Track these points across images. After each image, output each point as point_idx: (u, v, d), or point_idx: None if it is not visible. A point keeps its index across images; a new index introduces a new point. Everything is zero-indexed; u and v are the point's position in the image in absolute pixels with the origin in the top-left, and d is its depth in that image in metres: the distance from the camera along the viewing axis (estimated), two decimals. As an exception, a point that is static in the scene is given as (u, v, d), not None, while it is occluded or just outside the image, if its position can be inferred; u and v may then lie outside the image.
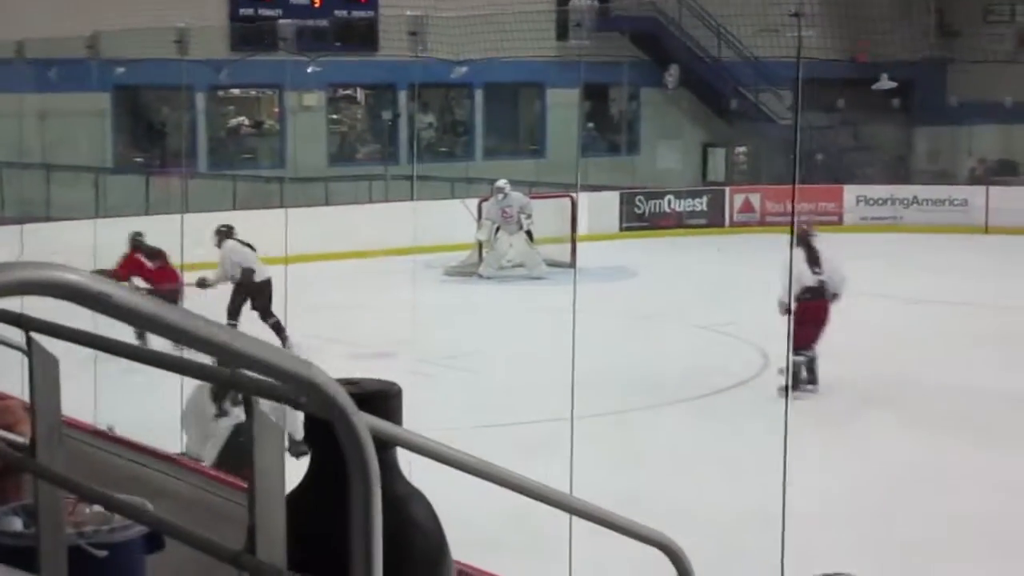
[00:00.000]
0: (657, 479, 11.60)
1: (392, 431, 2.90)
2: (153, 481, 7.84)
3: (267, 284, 16.86)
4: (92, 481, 6.52)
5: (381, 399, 3.29)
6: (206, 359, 2.25)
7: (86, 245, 17.13)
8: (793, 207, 19.32)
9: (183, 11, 23.43)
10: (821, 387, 14.59)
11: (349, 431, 1.97)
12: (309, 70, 24.10)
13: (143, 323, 1.70)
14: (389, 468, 2.95)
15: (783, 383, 12.27)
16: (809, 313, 13.93)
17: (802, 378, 14.03)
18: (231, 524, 6.30)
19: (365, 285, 21.25)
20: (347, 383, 3.39)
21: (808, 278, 14.26)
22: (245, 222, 22.75)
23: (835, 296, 14.45)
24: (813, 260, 14.50)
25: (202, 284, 16.94)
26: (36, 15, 21.50)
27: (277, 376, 1.84)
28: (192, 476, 7.70)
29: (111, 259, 17.06)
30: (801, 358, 13.98)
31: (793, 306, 12.60)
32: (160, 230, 19.09)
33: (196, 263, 21.22)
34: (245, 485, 2.60)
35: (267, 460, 2.34)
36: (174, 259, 16.50)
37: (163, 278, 16.80)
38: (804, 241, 14.66)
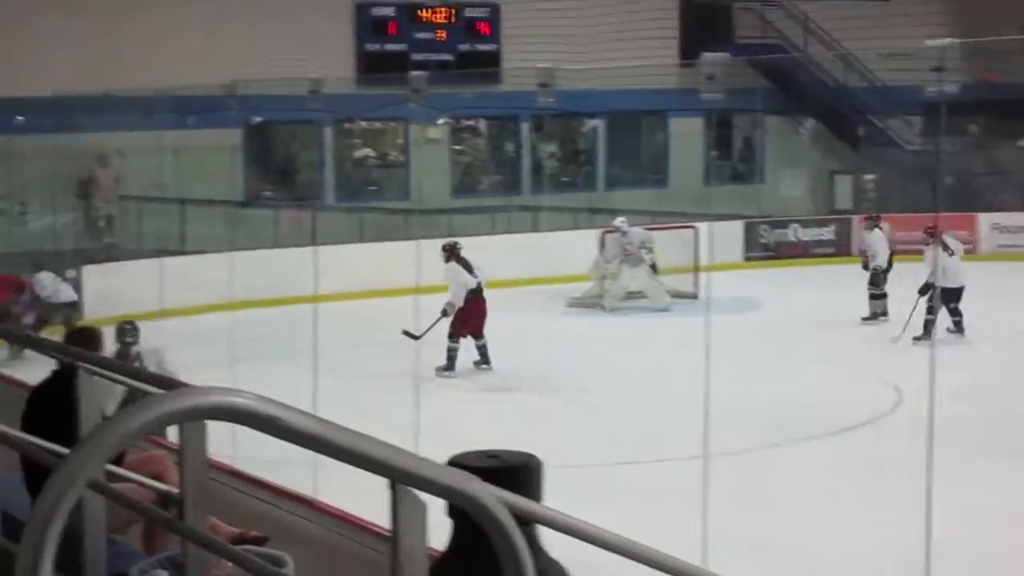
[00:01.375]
0: (788, 521, 11.57)
1: (534, 510, 2.99)
2: (290, 523, 8.06)
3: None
4: (233, 522, 6.74)
5: (522, 473, 3.38)
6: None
7: (221, 279, 17.54)
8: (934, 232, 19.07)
9: (311, 47, 23.97)
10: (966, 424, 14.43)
11: (507, 544, 2.09)
12: (440, 122, 24.39)
13: (311, 444, 1.84)
14: (530, 544, 3.06)
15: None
16: (473, 309, 17.58)
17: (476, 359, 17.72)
18: (368, 571, 6.48)
19: (491, 317, 21.41)
20: (489, 456, 3.52)
21: (470, 281, 17.66)
22: (372, 253, 23.15)
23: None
24: (468, 268, 17.82)
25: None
26: (176, 66, 22.06)
27: (438, 492, 1.97)
28: (328, 520, 7.91)
29: (244, 291, 17.43)
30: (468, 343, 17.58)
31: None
32: (290, 263, 19.54)
33: (327, 293, 21.64)
34: (382, 529, 2.72)
35: (411, 538, 2.45)
36: (301, 290, 16.73)
37: None
38: (455, 255, 17.85)
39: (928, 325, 18.20)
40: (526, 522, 2.98)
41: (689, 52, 28.22)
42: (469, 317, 17.59)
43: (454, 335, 17.49)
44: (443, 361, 17.48)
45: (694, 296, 22.72)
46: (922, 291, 18.83)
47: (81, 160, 23.94)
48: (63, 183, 22.36)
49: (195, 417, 1.78)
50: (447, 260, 17.84)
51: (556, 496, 4.59)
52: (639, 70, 24.39)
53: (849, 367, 18.03)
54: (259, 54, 22.83)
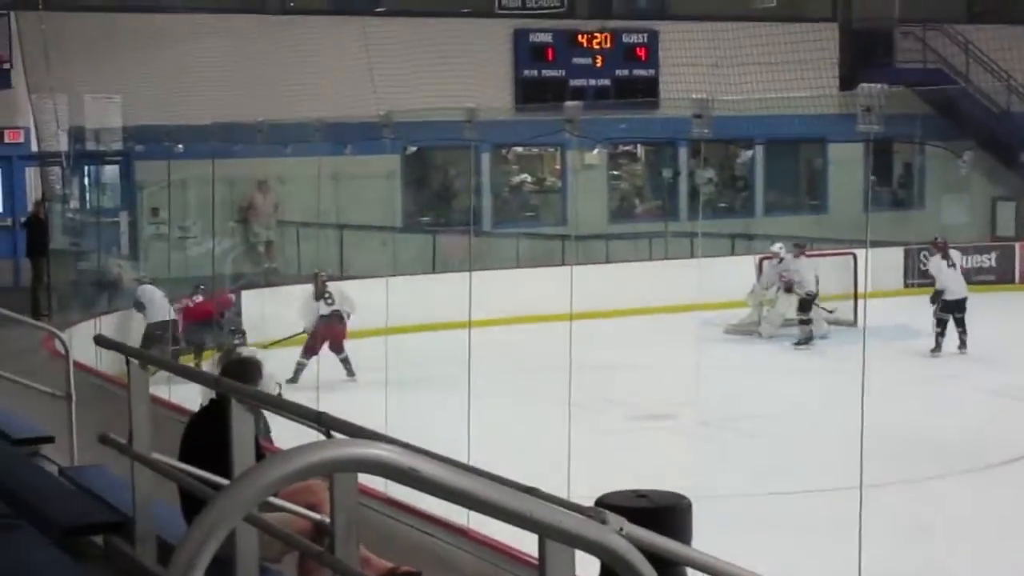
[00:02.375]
0: (947, 553, 11.34)
1: (681, 552, 2.94)
2: (444, 553, 8.06)
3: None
4: (384, 552, 6.75)
5: (671, 514, 3.33)
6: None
7: (378, 304, 17.68)
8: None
9: (469, 74, 24.13)
10: None
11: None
12: (596, 151, 24.44)
13: (452, 497, 1.83)
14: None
15: None
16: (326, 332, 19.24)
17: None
18: (520, 604, 6.41)
19: (646, 343, 21.33)
20: (638, 496, 3.47)
21: (323, 309, 19.42)
22: (529, 279, 23.20)
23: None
24: (320, 295, 19.52)
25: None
26: (334, 95, 22.40)
27: (579, 545, 1.95)
28: (482, 550, 7.90)
29: (401, 317, 17.55)
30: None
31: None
32: (447, 288, 19.66)
33: (484, 319, 21.72)
34: (534, 560, 2.71)
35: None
36: (457, 316, 16.89)
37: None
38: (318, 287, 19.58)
39: (937, 338, 20.62)
40: (674, 564, 2.93)
41: (849, 78, 27.93)
42: (322, 338, 19.19)
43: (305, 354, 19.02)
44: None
45: (852, 323, 22.41)
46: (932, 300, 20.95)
47: (241, 186, 24.40)
48: (223, 209, 22.77)
49: (338, 469, 1.80)
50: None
51: (709, 527, 4.52)
52: (798, 99, 24.15)
53: (1011, 398, 17.61)
54: (416, 83, 23.07)
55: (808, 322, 21.99)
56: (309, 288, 19.88)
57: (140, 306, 19.51)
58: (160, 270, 21.95)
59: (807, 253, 23.08)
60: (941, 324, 20.87)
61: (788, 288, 22.46)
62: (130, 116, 22.61)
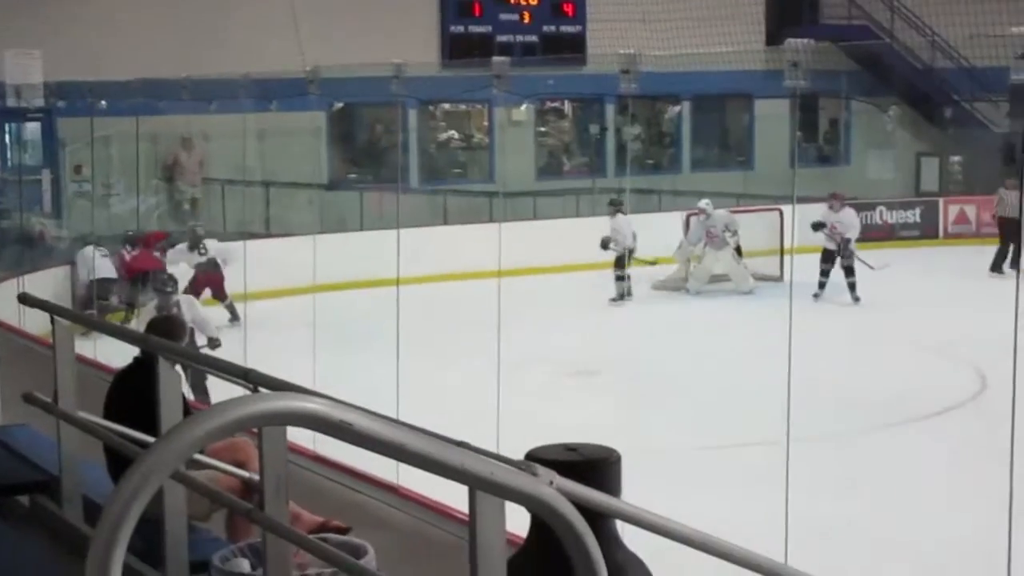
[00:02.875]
0: (872, 507, 11.47)
1: (611, 504, 2.95)
2: (373, 509, 8.05)
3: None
4: (314, 508, 6.74)
5: (601, 467, 3.33)
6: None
7: (305, 262, 17.60)
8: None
9: (396, 30, 24.01)
10: None
11: (578, 546, 2.05)
12: (524, 106, 24.41)
13: (386, 450, 1.82)
14: (608, 538, 3.01)
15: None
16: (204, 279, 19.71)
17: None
18: (450, 559, 6.48)
19: (574, 300, 21.39)
20: (568, 449, 3.48)
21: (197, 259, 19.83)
22: (456, 236, 23.19)
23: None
24: (194, 246, 19.97)
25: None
26: (258, 51, 22.21)
27: (512, 497, 1.94)
28: (411, 506, 7.89)
29: (328, 275, 17.49)
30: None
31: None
32: (374, 245, 19.59)
33: (410, 277, 21.69)
34: (464, 516, 2.71)
35: (489, 537, 2.43)
36: (385, 274, 16.93)
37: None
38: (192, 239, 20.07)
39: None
40: (604, 517, 2.94)
41: (775, 34, 28.01)
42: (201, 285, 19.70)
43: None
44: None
45: (779, 279, 22.58)
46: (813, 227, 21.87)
47: (165, 143, 24.17)
48: (147, 166, 22.56)
49: (267, 423, 1.78)
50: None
51: (641, 483, 4.54)
52: (724, 55, 24.22)
53: (936, 352, 17.82)
54: (343, 38, 22.94)
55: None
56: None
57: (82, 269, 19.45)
58: (84, 227, 21.73)
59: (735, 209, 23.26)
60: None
61: (719, 245, 22.59)
62: (51, 72, 22.29)
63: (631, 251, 21.95)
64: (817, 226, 21.73)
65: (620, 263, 21.94)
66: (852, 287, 21.33)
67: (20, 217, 21.86)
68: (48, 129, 24.19)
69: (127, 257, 20.11)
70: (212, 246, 20.12)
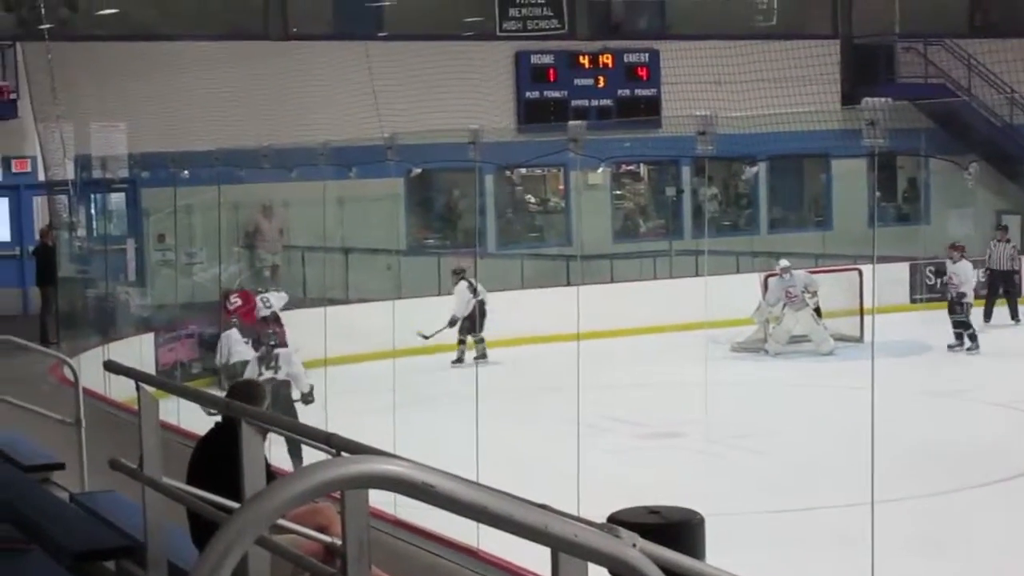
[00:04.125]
0: (961, 569, 11.31)
1: (696, 567, 2.94)
2: (453, 572, 8.07)
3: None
4: (396, 572, 6.74)
5: (684, 530, 3.33)
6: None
7: (384, 326, 17.71)
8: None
9: (472, 97, 24.18)
10: None
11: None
12: (600, 169, 24.50)
13: (467, 512, 1.84)
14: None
15: None
16: None
17: None
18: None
19: (653, 362, 21.33)
20: (651, 512, 3.48)
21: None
22: (534, 300, 23.24)
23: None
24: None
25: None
26: (337, 120, 22.48)
27: (595, 559, 1.96)
28: (491, 570, 7.90)
29: (406, 340, 17.57)
30: None
31: None
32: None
33: (491, 340, 21.75)
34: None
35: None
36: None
37: None
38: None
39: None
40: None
41: (851, 94, 27.95)
42: None
43: None
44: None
45: (859, 339, 22.41)
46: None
47: (246, 211, 24.45)
48: (229, 234, 22.82)
49: (351, 486, 1.81)
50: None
51: (722, 545, 4.52)
52: (800, 115, 24.19)
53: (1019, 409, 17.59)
54: (420, 106, 23.11)
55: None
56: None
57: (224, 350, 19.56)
58: (167, 296, 21.99)
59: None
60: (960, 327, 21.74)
61: (798, 306, 22.46)
62: (135, 143, 22.67)
63: (468, 319, 21.67)
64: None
65: (464, 329, 21.95)
66: (971, 337, 21.48)
67: (106, 286, 22.16)
68: (132, 199, 24.56)
69: (238, 306, 20.38)
70: (274, 300, 20.31)
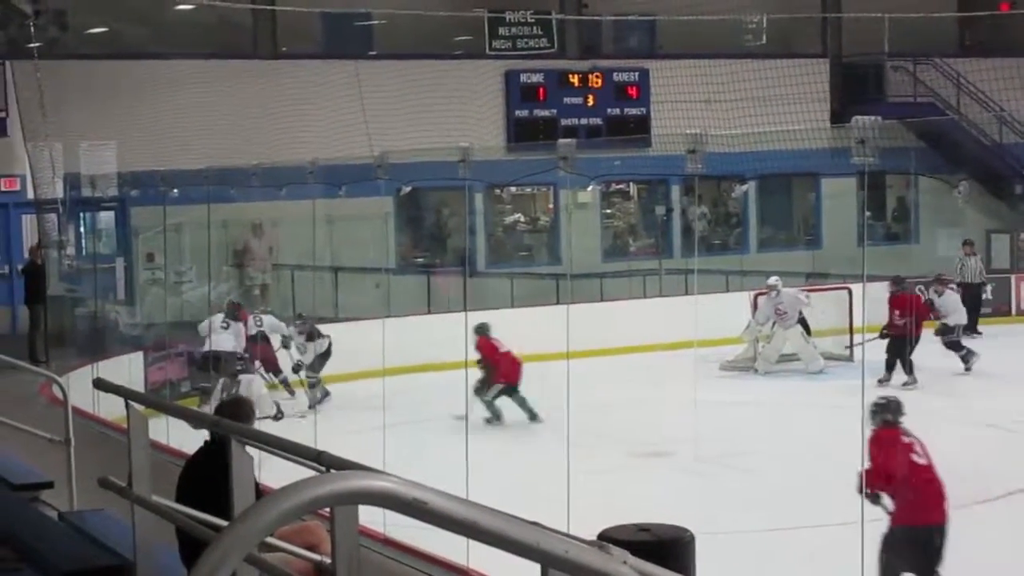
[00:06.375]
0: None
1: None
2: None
3: None
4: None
5: (674, 548, 3.33)
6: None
7: (374, 345, 17.70)
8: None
9: (462, 115, 24.22)
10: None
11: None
12: (589, 188, 24.51)
13: (458, 528, 1.84)
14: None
15: None
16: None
17: None
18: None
19: (642, 381, 21.31)
20: (641, 529, 3.48)
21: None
22: (524, 319, 23.22)
23: None
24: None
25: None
26: (326, 138, 22.53)
27: (586, 575, 1.95)
28: (482, 589, 7.88)
29: (397, 358, 17.53)
30: None
31: None
32: (442, 329, 19.68)
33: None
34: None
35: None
36: (460, 356, 16.99)
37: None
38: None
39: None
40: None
41: (840, 113, 28.03)
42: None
43: None
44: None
45: (848, 358, 22.42)
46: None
47: (236, 230, 24.43)
48: (218, 253, 22.81)
49: (341, 502, 1.80)
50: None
51: (710, 562, 4.52)
52: (789, 134, 24.23)
53: (1010, 431, 17.60)
54: (410, 124, 23.15)
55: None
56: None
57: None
58: (156, 315, 21.95)
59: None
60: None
61: (787, 324, 22.47)
62: (125, 162, 22.68)
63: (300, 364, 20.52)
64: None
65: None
66: (964, 359, 21.48)
67: (95, 304, 22.12)
68: (121, 218, 24.55)
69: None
70: (266, 321, 20.32)
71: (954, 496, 14.21)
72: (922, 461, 10.57)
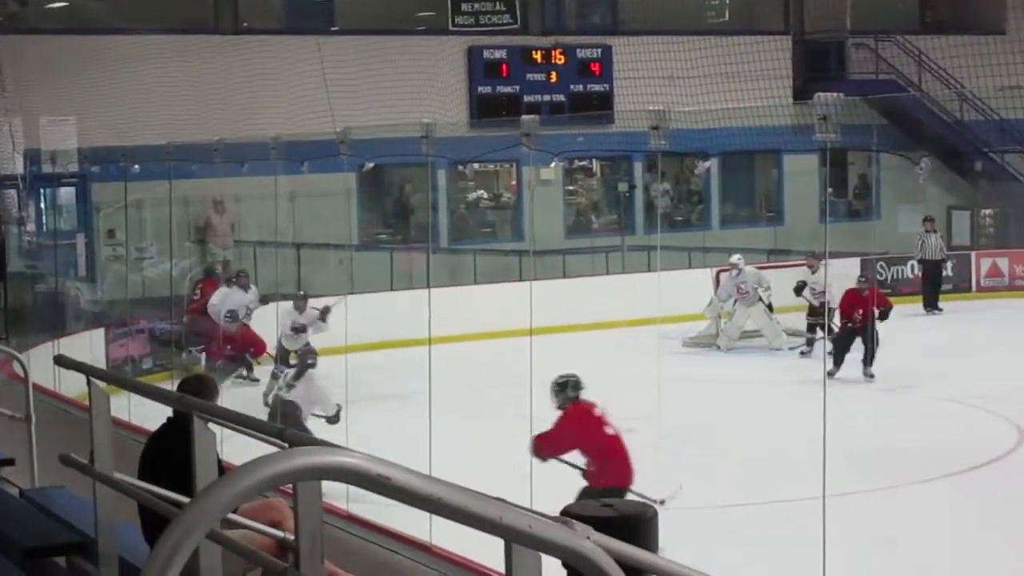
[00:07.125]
0: (911, 563, 11.38)
1: (649, 560, 2.94)
2: (406, 567, 8.06)
3: None
4: (348, 567, 6.74)
5: (637, 523, 3.33)
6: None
7: (336, 322, 17.67)
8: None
9: (424, 92, 24.16)
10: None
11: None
12: (552, 165, 24.50)
13: (422, 504, 1.83)
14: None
15: None
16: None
17: None
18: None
19: (605, 357, 21.33)
20: (604, 505, 3.48)
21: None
22: (486, 296, 23.22)
23: None
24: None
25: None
26: (288, 114, 22.44)
27: (550, 550, 1.95)
28: (446, 566, 7.89)
29: (360, 335, 17.51)
30: None
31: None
32: (404, 305, 19.65)
33: (442, 336, 21.69)
34: (498, 574, 2.71)
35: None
36: (416, 333, 16.96)
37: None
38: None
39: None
40: (639, 573, 2.94)
41: (802, 90, 28.08)
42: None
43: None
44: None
45: (811, 338, 22.50)
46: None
47: (197, 206, 24.32)
48: (180, 229, 22.69)
49: (304, 478, 1.79)
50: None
51: (674, 540, 4.53)
52: (752, 110, 24.27)
53: (970, 406, 17.71)
54: (373, 100, 23.06)
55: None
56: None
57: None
58: (118, 291, 21.85)
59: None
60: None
61: (749, 302, 22.53)
62: (86, 138, 22.52)
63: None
64: (800, 288, 21.44)
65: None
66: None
67: (56, 281, 22.00)
68: (82, 194, 24.40)
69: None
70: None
71: (917, 472, 14.35)
72: (611, 432, 11.66)
